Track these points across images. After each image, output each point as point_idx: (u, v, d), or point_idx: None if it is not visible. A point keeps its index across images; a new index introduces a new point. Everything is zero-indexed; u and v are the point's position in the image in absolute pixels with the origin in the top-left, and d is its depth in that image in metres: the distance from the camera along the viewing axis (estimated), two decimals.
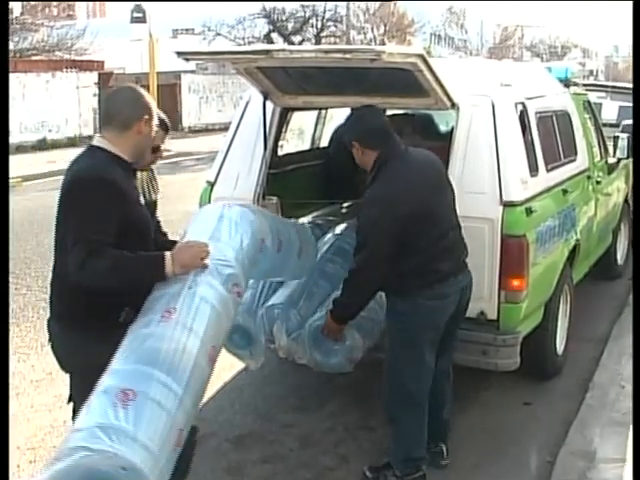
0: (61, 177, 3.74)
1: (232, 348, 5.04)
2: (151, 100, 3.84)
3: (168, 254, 3.63)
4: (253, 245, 4.16)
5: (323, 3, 41.46)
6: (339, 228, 5.77)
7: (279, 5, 41.83)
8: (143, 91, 3.86)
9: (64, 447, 3.02)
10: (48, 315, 3.92)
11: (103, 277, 3.49)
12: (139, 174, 4.32)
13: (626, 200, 9.71)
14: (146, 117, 3.75)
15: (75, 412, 3.65)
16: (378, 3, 50.90)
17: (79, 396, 3.64)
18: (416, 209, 4.41)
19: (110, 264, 3.47)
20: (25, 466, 5.15)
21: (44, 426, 5.69)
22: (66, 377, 6.25)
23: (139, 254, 3.59)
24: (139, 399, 3.14)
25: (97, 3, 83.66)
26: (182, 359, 3.35)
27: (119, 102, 3.81)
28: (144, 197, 4.29)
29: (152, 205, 4.64)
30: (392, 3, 51.84)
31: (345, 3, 40.51)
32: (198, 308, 3.54)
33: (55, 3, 41.87)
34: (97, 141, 3.76)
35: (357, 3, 47.34)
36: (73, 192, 3.58)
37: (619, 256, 9.64)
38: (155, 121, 3.85)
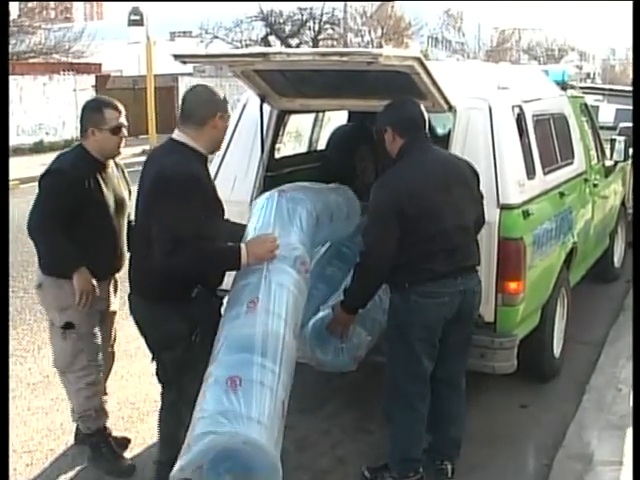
0: None
1: None
2: (223, 97, 4.26)
3: (243, 247, 4.10)
4: (310, 224, 4.59)
5: (320, 6, 41.50)
6: None
7: (276, 8, 41.87)
8: (215, 89, 4.29)
9: (194, 434, 3.61)
10: (129, 290, 4.36)
11: (187, 267, 3.98)
12: (111, 171, 5.08)
13: (623, 203, 9.72)
14: (220, 113, 4.19)
15: (163, 385, 4.45)
16: (375, 6, 50.94)
17: (163, 369, 4.38)
18: (416, 202, 4.41)
19: (194, 256, 3.95)
20: (22, 469, 5.15)
21: (41, 429, 5.68)
22: (58, 380, 6.26)
23: (219, 246, 4.12)
24: (245, 383, 3.71)
25: (95, 6, 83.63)
26: (272, 340, 3.92)
27: (195, 101, 4.25)
28: (114, 194, 4.99)
29: (121, 202, 5.03)
30: (389, 6, 51.86)
31: (342, 6, 40.53)
32: (276, 294, 4.09)
33: (52, 5, 41.86)
34: (178, 136, 4.23)
35: (354, 6, 47.36)
36: (165, 185, 4.00)
37: (616, 259, 9.65)
38: (228, 115, 4.30)
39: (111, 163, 5.11)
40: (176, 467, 3.58)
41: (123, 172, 5.30)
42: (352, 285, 4.67)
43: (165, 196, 3.96)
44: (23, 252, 10.82)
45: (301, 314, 4.32)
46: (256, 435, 3.62)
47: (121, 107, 4.95)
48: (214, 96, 4.25)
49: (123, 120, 4.93)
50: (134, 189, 4.46)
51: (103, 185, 4.93)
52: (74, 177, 4.85)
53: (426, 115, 4.69)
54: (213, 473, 3.54)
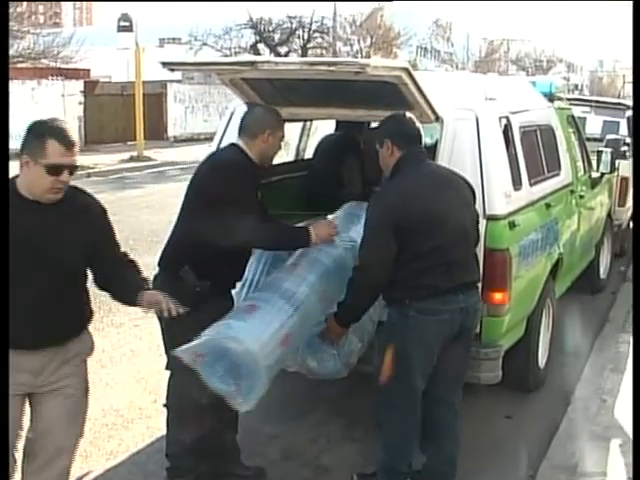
0: None
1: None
2: (276, 118, 4.84)
3: (311, 228, 4.76)
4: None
5: (310, 14, 41.58)
6: None
7: (266, 16, 41.91)
8: (273, 110, 4.91)
9: (204, 335, 4.23)
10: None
11: (270, 239, 4.74)
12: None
13: (609, 214, 9.76)
14: (269, 131, 4.71)
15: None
16: (365, 15, 51.07)
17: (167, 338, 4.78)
18: (414, 216, 4.39)
19: (276, 229, 4.87)
20: None
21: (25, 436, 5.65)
22: None
23: (291, 226, 5.08)
24: (259, 310, 4.45)
25: (84, 11, 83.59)
26: (297, 293, 4.56)
27: (249, 117, 4.84)
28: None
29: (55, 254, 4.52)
30: (379, 15, 52.01)
31: (331, 14, 40.62)
32: (314, 266, 4.73)
33: (42, 10, 41.78)
34: (236, 141, 4.80)
35: (344, 15, 47.48)
36: (233, 173, 4.60)
37: (602, 270, 9.68)
38: (280, 134, 4.84)
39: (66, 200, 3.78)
40: (183, 347, 4.19)
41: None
42: (346, 299, 4.61)
43: (236, 182, 4.54)
44: None
45: (335, 287, 4.70)
46: (248, 341, 4.25)
47: (74, 142, 3.70)
48: (267, 115, 4.84)
49: (70, 160, 3.67)
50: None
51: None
52: None
53: (420, 131, 4.69)
54: (208, 364, 4.21)
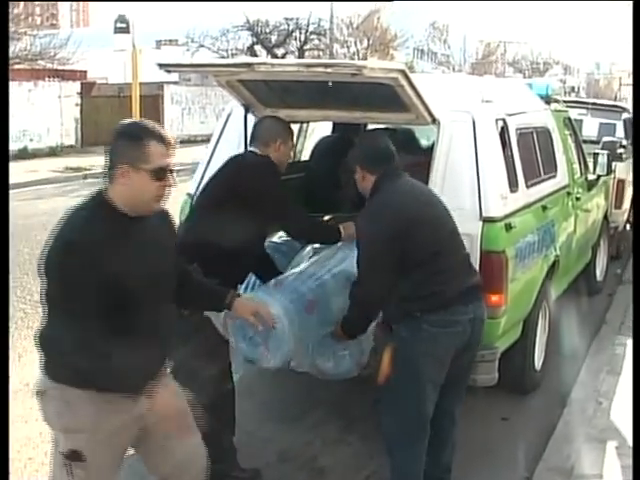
0: (42, 186, 3.80)
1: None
2: (286, 128, 5.04)
3: (340, 227, 5.09)
4: None
5: (307, 16, 41.58)
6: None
7: (263, 18, 41.91)
8: (282, 121, 5.10)
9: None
10: None
11: (317, 234, 5.24)
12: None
13: (605, 217, 9.77)
14: (280, 140, 4.91)
15: None
16: (362, 17, 51.09)
17: None
18: (410, 223, 4.33)
19: (320, 226, 5.44)
20: None
21: (20, 438, 5.64)
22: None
23: (324, 221, 5.73)
24: (285, 284, 4.84)
25: (81, 13, 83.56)
26: (322, 275, 4.94)
27: (261, 127, 5.02)
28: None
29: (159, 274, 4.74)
30: (375, 17, 52.02)
31: (328, 16, 40.61)
32: (338, 255, 5.14)
33: (38, 12, 41.76)
34: (253, 148, 4.95)
35: (341, 17, 47.48)
36: (264, 170, 4.81)
37: (598, 272, 9.69)
38: (291, 144, 5.13)
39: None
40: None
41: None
42: (349, 314, 4.58)
43: (272, 184, 4.78)
44: None
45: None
46: (279, 308, 4.50)
47: (172, 139, 3.45)
48: (278, 125, 5.03)
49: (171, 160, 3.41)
50: None
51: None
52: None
53: (392, 148, 4.63)
54: (238, 327, 4.55)
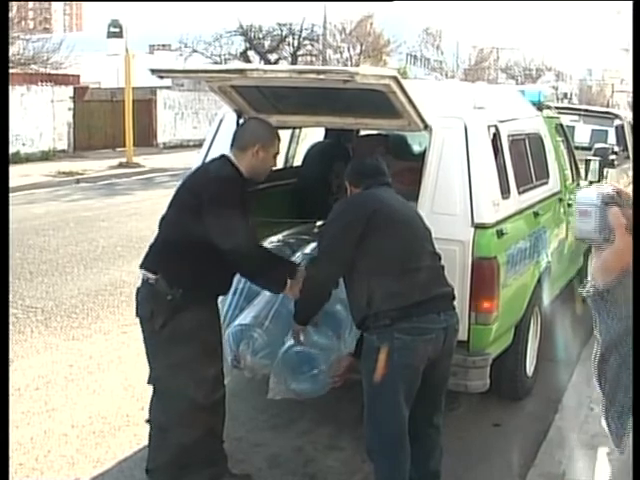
0: (35, 191, 3.82)
1: None
2: (270, 133, 4.77)
3: (290, 281, 4.67)
4: None
5: (300, 22, 41.63)
6: (309, 247, 5.75)
7: (256, 23, 41.95)
8: (268, 125, 4.87)
9: None
10: None
11: (256, 272, 4.78)
12: None
13: None
14: (259, 145, 4.63)
15: None
16: (354, 23, 51.17)
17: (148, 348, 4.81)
18: (373, 213, 4.41)
19: (266, 265, 4.73)
20: None
21: (10, 443, 5.57)
22: (34, 394, 6.24)
23: (276, 260, 4.94)
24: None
25: (74, 17, 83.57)
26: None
27: (241, 129, 4.85)
28: None
29: None
30: (368, 23, 52.11)
31: (321, 22, 40.68)
32: None
33: (31, 16, 41.76)
34: (228, 153, 4.70)
35: (334, 22, 47.54)
36: (217, 188, 4.49)
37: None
38: (273, 150, 4.73)
39: None
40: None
41: None
42: (301, 295, 4.66)
43: (215, 187, 4.48)
44: None
45: None
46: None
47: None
48: (260, 128, 4.78)
49: None
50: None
51: None
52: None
53: (383, 166, 4.76)
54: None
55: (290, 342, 4.95)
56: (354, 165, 4.84)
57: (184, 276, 4.47)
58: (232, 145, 4.71)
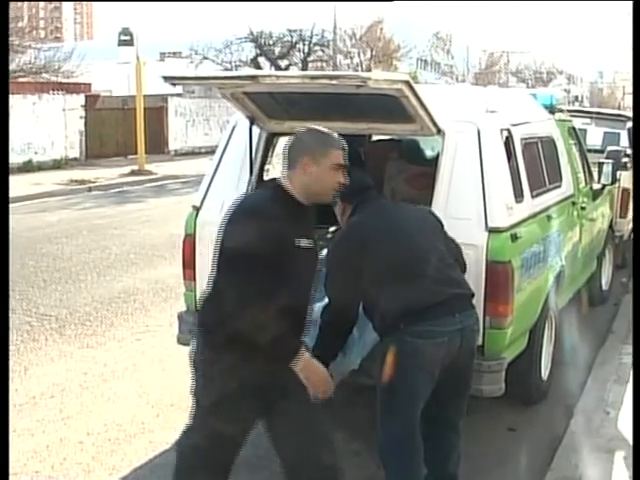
0: (47, 199, 3.84)
1: None
2: (321, 140, 3.90)
3: (305, 359, 3.89)
4: None
5: (310, 28, 41.70)
6: (322, 253, 5.74)
7: (266, 29, 42.04)
8: (323, 132, 3.97)
9: None
10: None
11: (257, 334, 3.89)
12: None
13: (610, 226, 9.76)
14: (308, 157, 3.81)
15: None
16: (365, 28, 51.22)
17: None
18: (365, 243, 4.42)
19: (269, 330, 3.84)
20: None
21: (26, 451, 5.64)
22: (49, 401, 6.25)
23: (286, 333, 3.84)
24: None
25: (85, 26, 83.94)
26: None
27: (290, 141, 3.93)
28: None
29: None
30: (379, 28, 52.16)
31: (332, 28, 40.73)
32: None
33: (42, 25, 41.97)
34: (281, 174, 3.90)
35: (344, 28, 47.61)
36: (240, 226, 3.71)
37: (604, 282, 9.67)
38: (327, 162, 3.84)
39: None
40: None
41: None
42: (318, 341, 4.49)
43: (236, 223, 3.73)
44: (11, 272, 10.80)
45: None
46: None
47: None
48: (308, 137, 3.92)
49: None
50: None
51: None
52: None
53: (368, 179, 4.78)
54: None
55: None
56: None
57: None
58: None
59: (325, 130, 3.97)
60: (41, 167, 25.30)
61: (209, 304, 3.84)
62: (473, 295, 4.60)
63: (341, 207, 4.73)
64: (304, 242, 3.77)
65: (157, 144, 30.99)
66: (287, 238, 3.68)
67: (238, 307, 3.60)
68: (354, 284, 4.40)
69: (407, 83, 4.71)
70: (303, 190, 3.80)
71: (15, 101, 25.56)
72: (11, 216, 12.15)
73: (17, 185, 20.51)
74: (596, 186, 8.65)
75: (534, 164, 6.42)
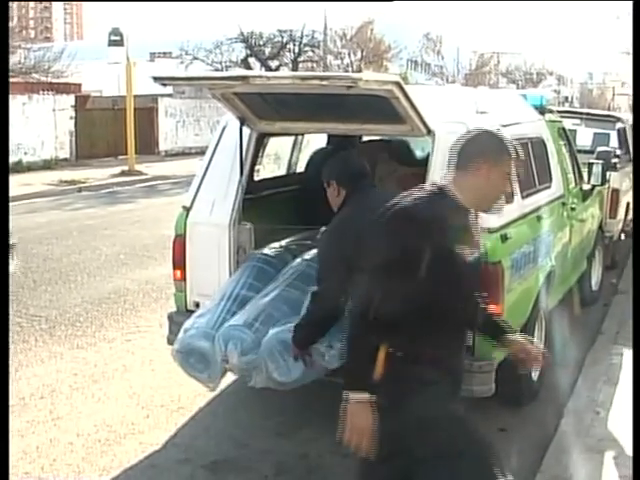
0: (37, 200, 3.83)
1: (190, 371, 5.29)
2: (503, 148, 3.56)
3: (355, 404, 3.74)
4: None
5: (300, 28, 41.70)
6: (309, 254, 5.75)
7: (256, 30, 42.01)
8: (503, 137, 3.62)
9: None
10: None
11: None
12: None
13: (600, 227, 9.78)
14: (486, 161, 3.49)
15: None
16: (355, 29, 51.25)
17: None
18: (359, 233, 4.37)
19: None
20: None
21: (16, 452, 5.61)
22: (39, 402, 6.23)
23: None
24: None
25: (74, 26, 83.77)
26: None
27: (466, 141, 3.61)
28: None
29: None
30: (369, 29, 52.20)
31: (322, 28, 40.74)
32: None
33: (32, 25, 41.91)
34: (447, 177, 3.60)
35: (334, 29, 47.61)
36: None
37: (594, 282, 9.69)
38: (503, 169, 3.53)
39: None
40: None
41: None
42: (300, 322, 4.72)
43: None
44: None
45: None
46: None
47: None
48: (487, 140, 3.59)
49: None
50: None
51: None
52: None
53: (366, 166, 4.82)
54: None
55: (274, 330, 4.97)
56: (343, 166, 4.83)
57: None
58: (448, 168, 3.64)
59: (500, 134, 3.67)
60: (31, 168, 25.22)
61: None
62: None
63: (336, 190, 4.73)
64: (463, 249, 3.48)
65: (147, 144, 30.94)
66: (447, 243, 3.38)
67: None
68: (345, 274, 4.37)
69: (397, 84, 4.72)
70: (472, 194, 3.49)
71: None
72: None
73: (14, 182, 20.48)
74: (586, 187, 8.67)
75: (524, 165, 6.41)
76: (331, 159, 4.91)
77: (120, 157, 27.78)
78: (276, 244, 6.11)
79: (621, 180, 11.17)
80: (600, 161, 8.90)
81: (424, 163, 5.64)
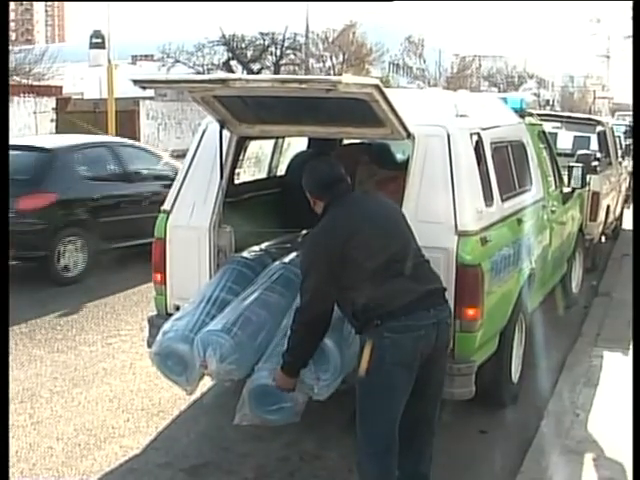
0: None
1: (168, 374, 5.30)
2: None
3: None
4: None
5: (282, 31, 41.73)
6: (288, 257, 5.74)
7: (238, 33, 42.03)
8: None
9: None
10: None
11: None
12: None
13: (580, 229, 9.82)
14: None
15: None
16: (337, 32, 51.31)
17: None
18: (344, 240, 4.36)
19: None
20: None
21: None
22: (19, 407, 6.19)
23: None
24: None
25: (56, 28, 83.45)
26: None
27: None
28: None
29: None
30: (351, 32, 52.28)
31: (304, 31, 40.77)
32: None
33: (13, 27, 41.73)
34: None
35: (316, 32, 47.66)
36: None
37: (574, 285, 9.74)
38: None
39: None
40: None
41: None
42: (289, 345, 4.56)
43: None
44: None
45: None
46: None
47: None
48: None
49: None
50: None
51: None
52: None
53: (338, 170, 4.71)
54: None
55: (259, 373, 4.95)
56: (313, 177, 4.74)
57: None
58: None
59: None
60: None
61: None
62: (445, 289, 4.64)
63: (313, 200, 4.68)
64: None
65: None
66: None
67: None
68: (336, 278, 4.37)
69: (377, 87, 4.72)
70: None
71: None
72: None
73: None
74: (566, 190, 8.71)
75: (504, 168, 6.44)
76: (305, 171, 4.88)
77: None
78: (256, 247, 6.11)
79: (601, 183, 11.24)
80: (580, 164, 8.94)
81: (404, 166, 5.65)
